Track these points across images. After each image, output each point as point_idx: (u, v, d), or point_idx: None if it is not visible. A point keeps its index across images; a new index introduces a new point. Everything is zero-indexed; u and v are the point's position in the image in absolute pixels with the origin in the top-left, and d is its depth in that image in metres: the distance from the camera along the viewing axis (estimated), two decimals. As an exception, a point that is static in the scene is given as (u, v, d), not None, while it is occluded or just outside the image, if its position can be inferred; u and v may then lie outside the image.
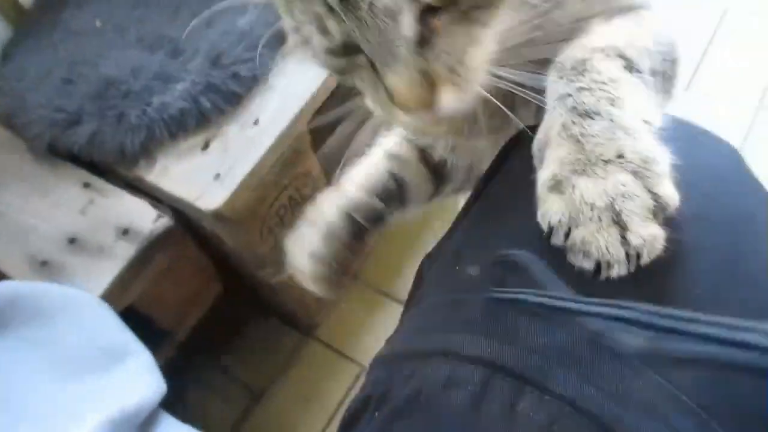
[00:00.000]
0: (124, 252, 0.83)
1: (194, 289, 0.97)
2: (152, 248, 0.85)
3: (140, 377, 0.75)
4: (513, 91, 0.38)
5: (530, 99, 0.38)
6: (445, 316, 0.41)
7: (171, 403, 0.74)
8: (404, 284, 1.21)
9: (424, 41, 0.36)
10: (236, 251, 0.95)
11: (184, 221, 0.91)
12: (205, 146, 0.91)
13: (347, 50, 0.39)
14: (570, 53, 0.38)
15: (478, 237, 0.44)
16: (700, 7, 1.41)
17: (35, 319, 0.78)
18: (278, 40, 1.00)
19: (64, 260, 0.84)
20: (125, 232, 0.84)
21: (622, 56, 0.38)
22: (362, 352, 1.16)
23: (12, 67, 1.02)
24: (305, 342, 1.19)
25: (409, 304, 0.51)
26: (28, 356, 0.79)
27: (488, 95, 0.39)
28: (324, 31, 0.38)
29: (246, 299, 1.20)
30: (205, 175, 0.86)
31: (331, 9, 0.36)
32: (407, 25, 0.35)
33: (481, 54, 0.38)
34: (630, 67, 0.38)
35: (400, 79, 0.37)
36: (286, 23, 0.45)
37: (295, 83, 0.95)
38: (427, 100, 0.37)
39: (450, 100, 0.38)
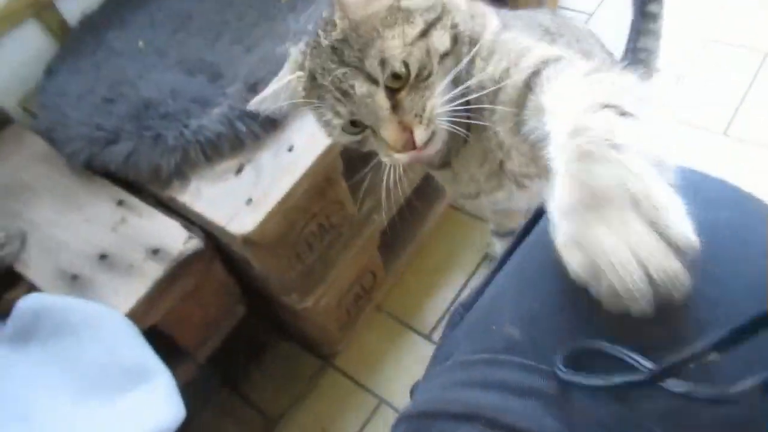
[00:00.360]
0: (153, 272, 0.83)
1: (218, 310, 0.96)
2: (181, 269, 0.85)
3: (160, 401, 0.74)
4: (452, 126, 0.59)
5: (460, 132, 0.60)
6: (479, 375, 0.39)
7: (185, 424, 0.73)
8: (427, 317, 1.19)
9: (395, 106, 0.58)
10: (262, 275, 0.95)
11: (213, 243, 0.92)
12: (239, 170, 0.91)
13: (356, 125, 0.62)
14: (560, 128, 0.42)
15: (514, 296, 0.42)
16: (741, 51, 1.39)
17: (59, 334, 0.78)
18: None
19: (94, 276, 0.84)
20: (155, 251, 0.85)
21: (606, 105, 0.40)
22: (381, 384, 1.14)
23: (55, 83, 1.04)
24: (324, 370, 1.17)
25: (438, 353, 0.49)
26: (50, 371, 0.79)
27: (446, 127, 0.60)
28: (337, 114, 0.61)
29: (268, 322, 1.19)
30: (238, 199, 0.87)
31: (338, 99, 0.59)
32: (382, 100, 0.58)
33: (431, 104, 0.58)
34: (620, 112, 0.40)
35: (388, 132, 0.59)
36: (314, 116, 0.68)
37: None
38: (409, 140, 0.58)
39: (421, 135, 0.58)
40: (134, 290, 0.81)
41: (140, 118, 0.93)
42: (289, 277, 0.96)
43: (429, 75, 0.58)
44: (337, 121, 0.61)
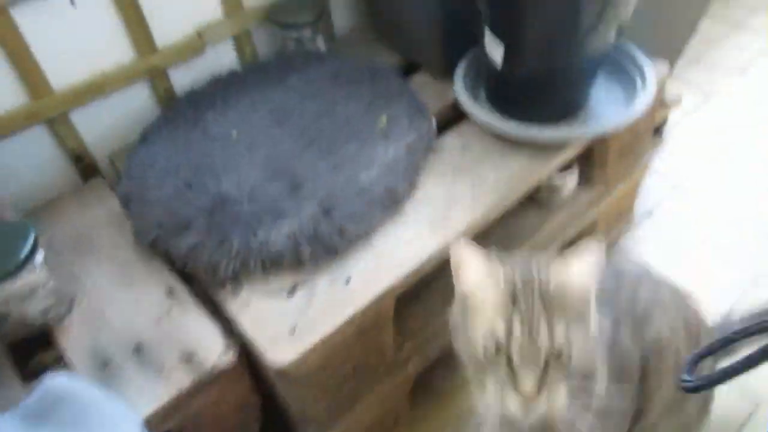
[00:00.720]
0: (182, 379, 0.81)
1: (233, 425, 0.93)
2: (210, 382, 0.83)
3: None
4: None
5: None
6: None
7: None
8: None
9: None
10: (286, 402, 0.92)
11: (247, 354, 0.90)
12: (292, 291, 0.90)
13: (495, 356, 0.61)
14: None
15: None
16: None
17: (75, 425, 0.77)
18: (392, 199, 1.02)
19: (125, 366, 0.83)
20: (189, 358, 0.83)
21: None
22: None
23: (145, 153, 1.08)
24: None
25: None
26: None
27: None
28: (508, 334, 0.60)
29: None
30: (284, 324, 0.85)
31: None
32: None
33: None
34: None
35: (531, 379, 0.59)
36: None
37: (398, 249, 0.94)
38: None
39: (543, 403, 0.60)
40: (159, 395, 0.80)
41: (214, 213, 0.94)
42: (312, 410, 0.92)
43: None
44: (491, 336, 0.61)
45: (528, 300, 0.61)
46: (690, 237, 1.52)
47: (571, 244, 1.30)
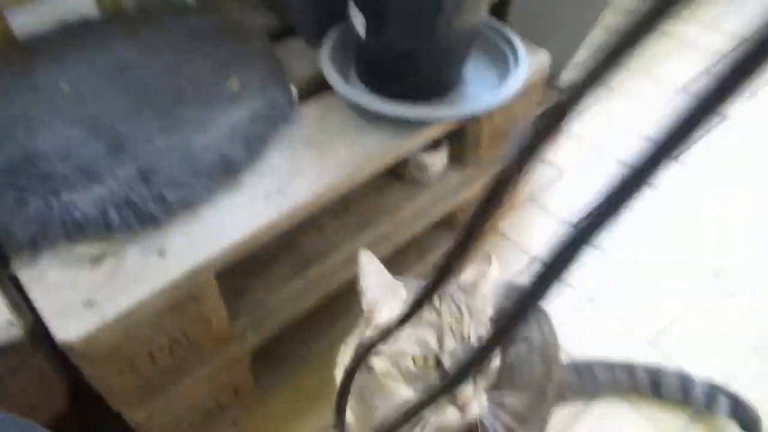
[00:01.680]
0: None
1: (37, 399, 0.86)
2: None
3: None
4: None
5: None
6: None
7: None
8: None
9: None
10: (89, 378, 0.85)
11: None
12: (97, 261, 0.83)
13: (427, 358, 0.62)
14: None
15: None
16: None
17: None
18: (227, 168, 0.95)
19: None
20: (-35, 330, 0.75)
21: None
22: None
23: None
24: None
25: None
26: None
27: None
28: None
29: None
30: (80, 295, 0.78)
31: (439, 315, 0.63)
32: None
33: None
34: None
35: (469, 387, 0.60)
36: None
37: (224, 221, 0.88)
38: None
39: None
40: None
41: (17, 171, 0.85)
42: (119, 387, 0.86)
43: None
44: (416, 350, 0.61)
45: (451, 308, 0.63)
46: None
47: (442, 224, 1.28)
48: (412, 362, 0.62)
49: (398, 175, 1.21)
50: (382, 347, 0.63)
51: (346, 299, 1.16)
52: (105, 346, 0.78)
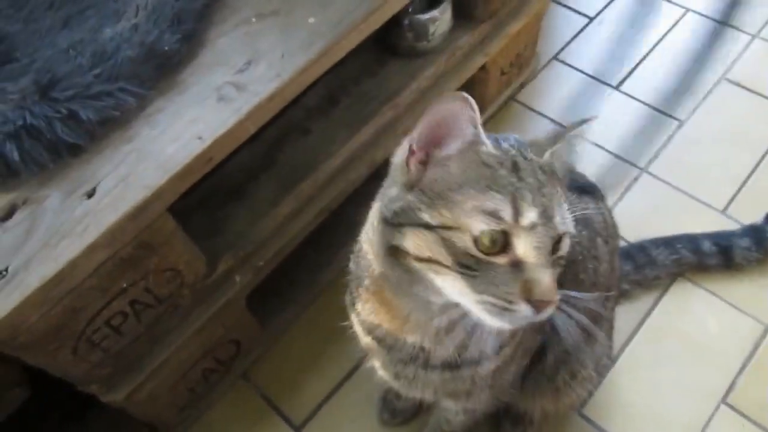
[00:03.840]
0: None
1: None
2: None
3: None
4: None
5: None
6: None
7: None
8: (303, 401, 0.93)
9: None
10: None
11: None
12: (9, 214, 0.61)
13: (499, 245, 0.43)
14: None
15: None
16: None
17: None
18: (157, 62, 0.70)
19: None
20: None
21: None
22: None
23: None
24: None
25: None
26: None
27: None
28: (515, 212, 0.43)
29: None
30: (-14, 266, 0.57)
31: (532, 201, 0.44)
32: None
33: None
34: None
35: (549, 277, 0.44)
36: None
37: (168, 139, 0.65)
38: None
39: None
40: None
41: None
42: (78, 371, 0.67)
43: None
44: (482, 226, 0.43)
45: (535, 173, 0.45)
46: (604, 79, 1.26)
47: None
48: (472, 243, 0.43)
49: (393, 48, 0.95)
50: (424, 215, 0.44)
51: (349, 211, 0.95)
52: (37, 326, 0.58)
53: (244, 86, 0.68)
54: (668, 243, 1.02)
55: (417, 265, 0.45)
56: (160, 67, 0.67)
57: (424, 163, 0.46)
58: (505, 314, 0.43)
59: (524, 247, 0.43)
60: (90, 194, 0.61)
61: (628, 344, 0.95)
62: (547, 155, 0.47)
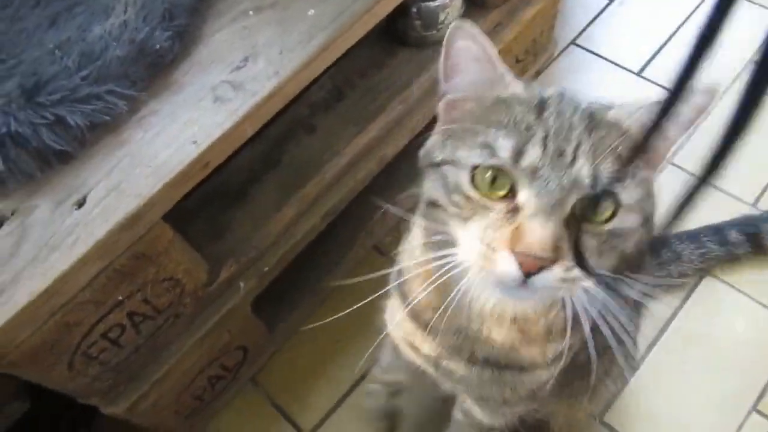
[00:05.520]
0: None
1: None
2: None
3: None
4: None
5: None
6: None
7: None
8: (314, 406, 0.90)
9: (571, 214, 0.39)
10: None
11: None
12: (-3, 227, 0.58)
13: (493, 187, 0.40)
14: None
15: None
16: None
17: None
18: (148, 62, 0.66)
19: None
20: None
21: None
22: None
23: None
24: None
25: None
26: None
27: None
28: (487, 147, 0.39)
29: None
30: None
31: (541, 141, 0.39)
32: (578, 201, 0.38)
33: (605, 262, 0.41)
34: None
35: (547, 228, 0.37)
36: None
37: (162, 143, 0.61)
38: (547, 258, 0.37)
39: (556, 276, 0.38)
40: None
41: None
42: (73, 385, 0.65)
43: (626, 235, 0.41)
44: (475, 159, 0.40)
45: (565, 116, 0.40)
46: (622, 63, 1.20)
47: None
48: (467, 179, 0.40)
49: (401, 38, 0.90)
50: (437, 152, 0.43)
51: (358, 211, 0.91)
52: (28, 343, 0.56)
53: (241, 85, 0.64)
54: (693, 236, 0.96)
55: (434, 213, 0.43)
56: (152, 67, 0.64)
57: (450, 105, 0.45)
58: (489, 272, 0.38)
59: (526, 193, 0.38)
60: (80, 204, 0.58)
61: (652, 348, 0.90)
62: (612, 112, 0.41)
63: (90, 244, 0.56)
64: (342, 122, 0.86)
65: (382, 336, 0.61)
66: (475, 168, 0.40)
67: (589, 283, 0.39)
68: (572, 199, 0.38)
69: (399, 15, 0.84)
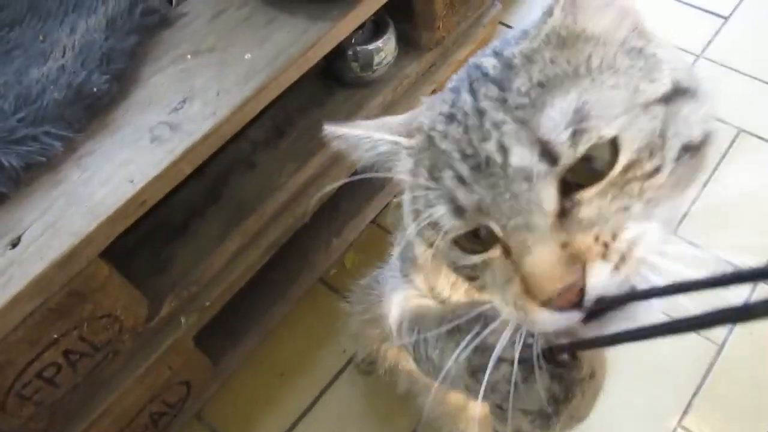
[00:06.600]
0: None
1: None
2: None
3: None
4: None
5: None
6: None
7: None
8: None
9: (564, 213, 0.32)
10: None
11: None
12: (-75, 269, 0.58)
13: (478, 237, 0.35)
14: None
15: None
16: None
17: None
18: (86, 104, 0.68)
19: None
20: None
21: None
22: None
23: None
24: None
25: None
26: None
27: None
28: (455, 209, 0.34)
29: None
30: None
31: (461, 179, 0.33)
32: (547, 194, 0.31)
33: (639, 231, 0.32)
34: None
35: (540, 258, 0.31)
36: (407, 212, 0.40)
37: (96, 185, 0.63)
38: (574, 282, 0.30)
39: (601, 277, 0.31)
40: None
41: None
42: (5, 426, 0.64)
43: (651, 174, 0.32)
44: (449, 222, 0.34)
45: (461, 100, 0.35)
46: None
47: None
48: (461, 252, 0.37)
49: (339, 77, 0.95)
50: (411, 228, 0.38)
51: (301, 243, 0.94)
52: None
53: (178, 126, 0.66)
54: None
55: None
56: (90, 108, 0.66)
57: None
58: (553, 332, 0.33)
59: (497, 229, 0.33)
60: (14, 243, 0.59)
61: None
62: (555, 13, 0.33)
63: (24, 283, 0.57)
64: (282, 159, 0.89)
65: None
66: (454, 241, 0.36)
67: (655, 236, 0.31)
68: (548, 195, 0.31)
69: (336, 57, 0.89)
